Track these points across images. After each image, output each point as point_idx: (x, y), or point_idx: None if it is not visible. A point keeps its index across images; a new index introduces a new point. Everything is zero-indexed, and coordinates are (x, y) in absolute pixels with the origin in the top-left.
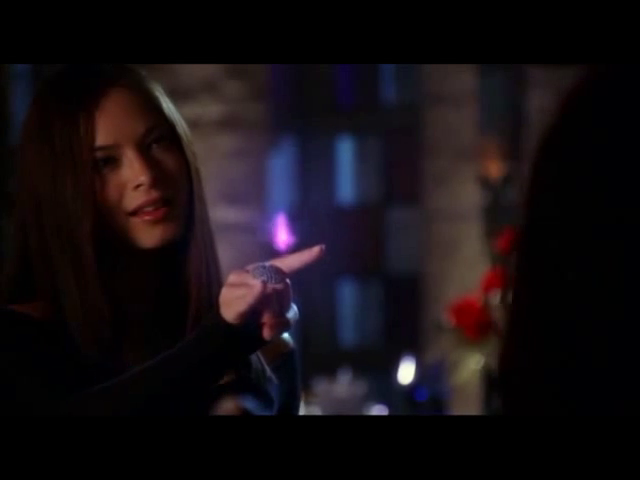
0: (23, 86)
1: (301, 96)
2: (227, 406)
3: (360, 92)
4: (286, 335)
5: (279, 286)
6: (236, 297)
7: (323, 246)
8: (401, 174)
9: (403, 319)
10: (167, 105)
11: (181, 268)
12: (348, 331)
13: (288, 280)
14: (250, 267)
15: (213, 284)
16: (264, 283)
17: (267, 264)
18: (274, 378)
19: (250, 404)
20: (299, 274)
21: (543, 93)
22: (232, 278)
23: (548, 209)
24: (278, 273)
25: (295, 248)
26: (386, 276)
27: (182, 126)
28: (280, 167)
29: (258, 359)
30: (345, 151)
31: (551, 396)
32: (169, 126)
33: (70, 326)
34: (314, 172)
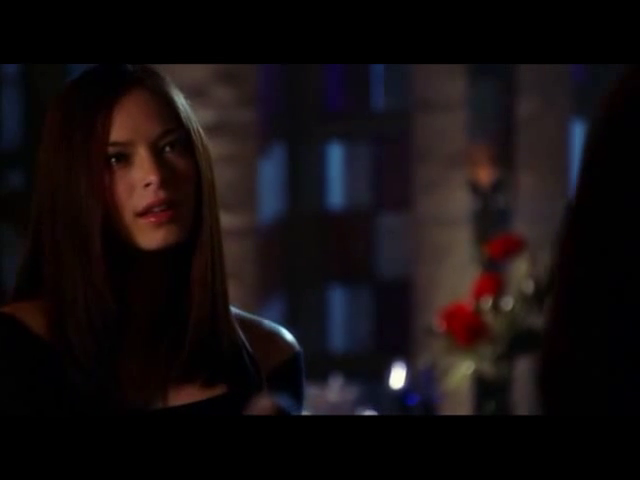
0: (11, 90)
1: (291, 102)
2: (263, 404)
3: (350, 98)
4: (290, 338)
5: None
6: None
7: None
8: (391, 180)
9: (393, 324)
10: (186, 112)
11: (185, 274)
12: (338, 336)
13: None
14: None
15: (217, 294)
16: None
17: None
18: (274, 387)
19: (286, 403)
20: (290, 280)
21: (532, 99)
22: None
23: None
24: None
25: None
26: (376, 281)
27: (198, 134)
28: (270, 173)
29: (257, 372)
30: (335, 157)
31: (606, 394)
32: (185, 132)
33: (68, 325)
34: (304, 178)
